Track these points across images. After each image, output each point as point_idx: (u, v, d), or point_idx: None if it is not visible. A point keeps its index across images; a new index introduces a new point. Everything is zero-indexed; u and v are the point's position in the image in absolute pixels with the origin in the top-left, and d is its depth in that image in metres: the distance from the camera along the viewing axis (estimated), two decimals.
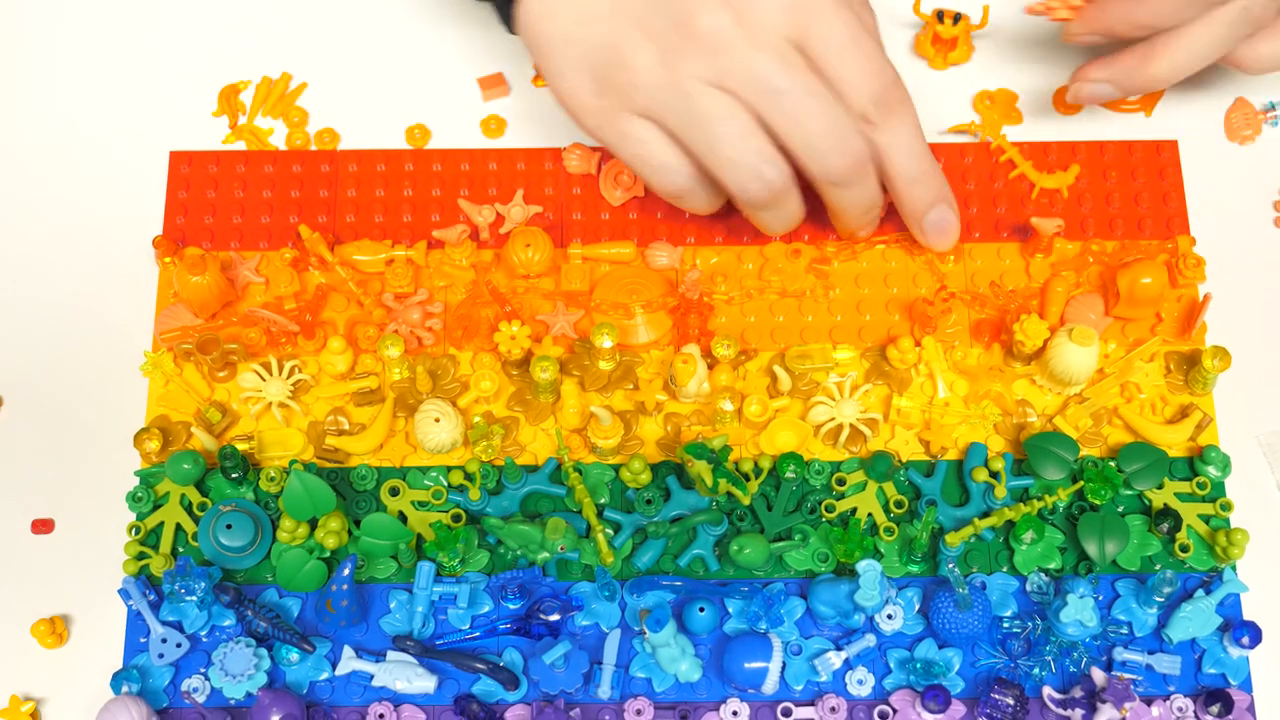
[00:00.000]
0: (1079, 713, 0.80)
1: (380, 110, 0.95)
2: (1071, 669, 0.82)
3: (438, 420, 0.84)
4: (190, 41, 0.97)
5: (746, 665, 0.80)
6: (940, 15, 0.94)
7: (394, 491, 0.85)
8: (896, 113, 0.82)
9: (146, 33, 0.98)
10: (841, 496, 0.85)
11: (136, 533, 0.84)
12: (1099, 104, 0.92)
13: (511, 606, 0.82)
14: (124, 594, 0.82)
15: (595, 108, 0.82)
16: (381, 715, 0.81)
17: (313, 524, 0.84)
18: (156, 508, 0.85)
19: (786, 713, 0.81)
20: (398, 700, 0.82)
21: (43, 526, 0.86)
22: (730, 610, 0.83)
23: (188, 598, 0.81)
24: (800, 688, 0.82)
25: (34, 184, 0.94)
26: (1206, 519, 0.85)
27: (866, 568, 0.80)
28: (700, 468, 0.82)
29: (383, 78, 0.96)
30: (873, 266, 0.90)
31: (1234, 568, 0.84)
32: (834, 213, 0.87)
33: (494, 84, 0.95)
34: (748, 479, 0.85)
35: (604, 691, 0.81)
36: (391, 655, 0.82)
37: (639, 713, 0.81)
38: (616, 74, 0.81)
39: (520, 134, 0.95)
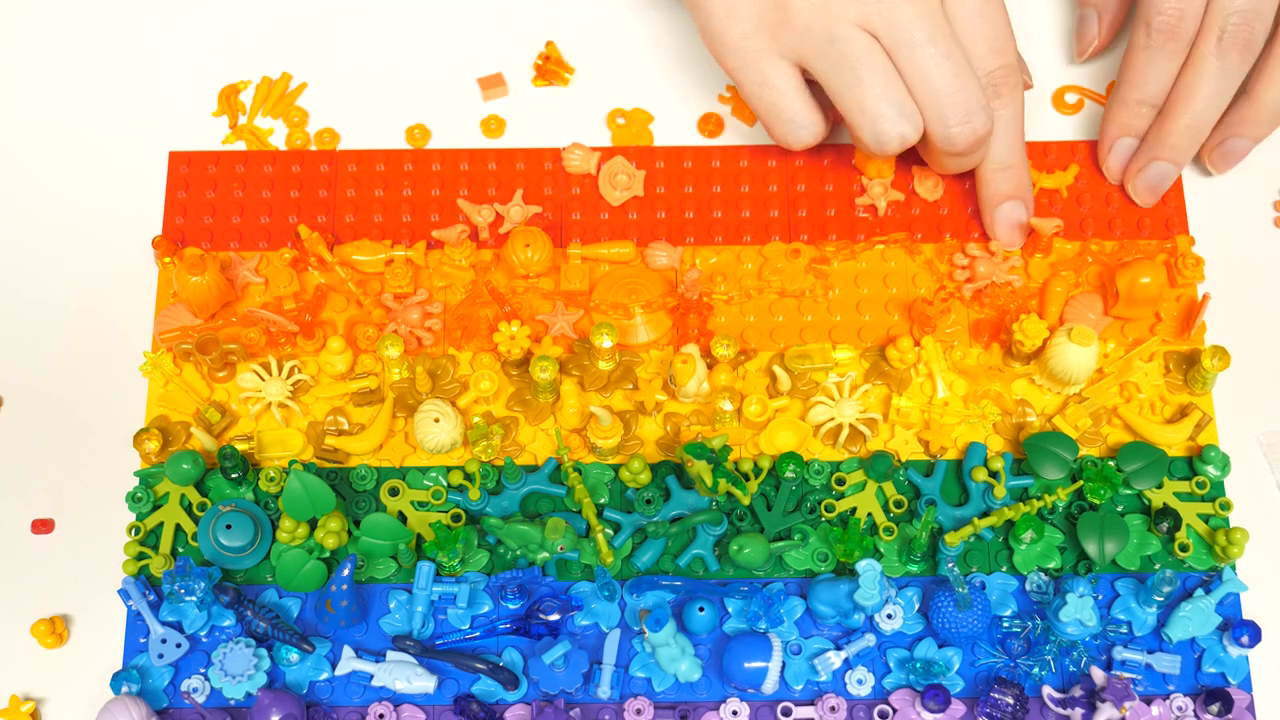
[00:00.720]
0: (1079, 712, 0.80)
1: (380, 110, 0.95)
2: (1071, 668, 0.82)
3: (437, 420, 0.84)
4: (190, 42, 0.97)
5: (746, 665, 0.80)
6: None
7: (394, 492, 0.85)
8: (1005, 96, 0.85)
9: (146, 33, 0.98)
10: (841, 496, 0.85)
11: (136, 533, 0.84)
12: (1165, 186, 0.91)
13: (511, 606, 0.82)
14: (124, 594, 0.82)
15: (742, 47, 0.84)
16: (381, 715, 0.81)
17: (312, 524, 0.84)
18: (156, 508, 0.85)
19: (786, 712, 0.81)
20: (397, 700, 0.82)
21: (43, 526, 0.86)
22: (730, 610, 0.83)
23: (187, 598, 0.81)
24: (800, 687, 0.82)
25: (33, 184, 0.94)
26: (1206, 518, 0.85)
27: (866, 567, 0.80)
28: (700, 468, 0.82)
29: (383, 78, 0.96)
30: (872, 266, 0.90)
31: (1233, 567, 0.84)
32: (932, 162, 0.89)
33: (494, 84, 0.95)
34: (747, 479, 0.85)
35: (604, 691, 0.81)
36: (391, 655, 0.82)
37: (639, 712, 0.81)
38: (771, 13, 0.82)
39: (520, 134, 0.95)
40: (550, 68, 0.95)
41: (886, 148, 0.84)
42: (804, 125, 0.86)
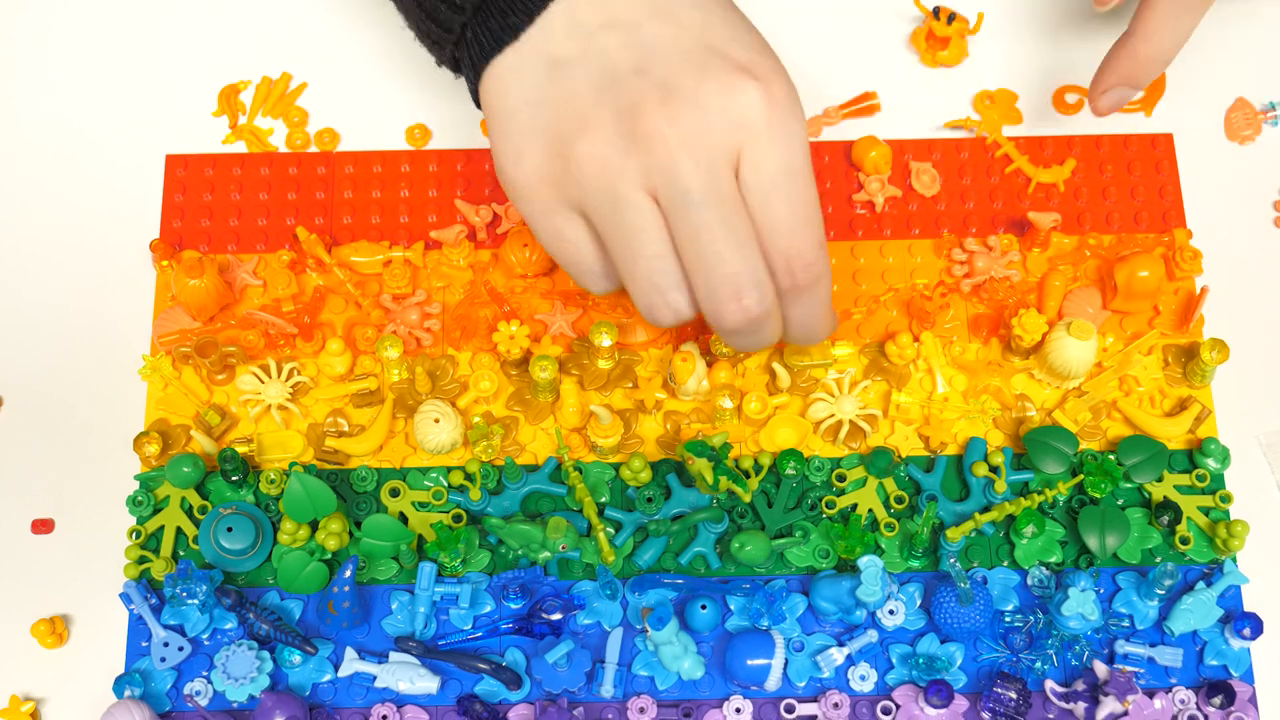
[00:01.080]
0: (1081, 706, 0.80)
1: (380, 110, 0.95)
2: (1073, 662, 0.82)
3: (437, 421, 0.84)
4: (188, 43, 0.97)
5: (749, 662, 0.80)
6: (937, 11, 0.94)
7: (394, 492, 0.85)
8: (808, 290, 0.76)
9: (144, 34, 0.97)
10: (842, 493, 0.85)
11: (137, 536, 0.84)
12: (1125, 106, 0.92)
13: (513, 606, 0.82)
14: (125, 598, 0.82)
15: (531, 197, 0.77)
16: (384, 716, 0.81)
17: (313, 526, 0.84)
18: (157, 511, 0.85)
19: (789, 709, 0.81)
20: (400, 701, 0.82)
21: (43, 527, 0.86)
22: (732, 607, 0.83)
23: (189, 601, 0.81)
24: (803, 684, 0.82)
25: (31, 187, 0.94)
26: (1206, 511, 0.85)
27: (868, 563, 0.80)
28: (700, 465, 0.82)
29: (383, 78, 0.96)
30: (870, 263, 0.90)
31: (1234, 559, 0.84)
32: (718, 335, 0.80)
33: None
34: (748, 476, 0.85)
35: (607, 690, 0.81)
36: (394, 656, 0.82)
37: (642, 711, 0.81)
38: (557, 164, 0.75)
39: None
40: None
41: (660, 323, 0.77)
42: (601, 276, 0.78)
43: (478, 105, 0.81)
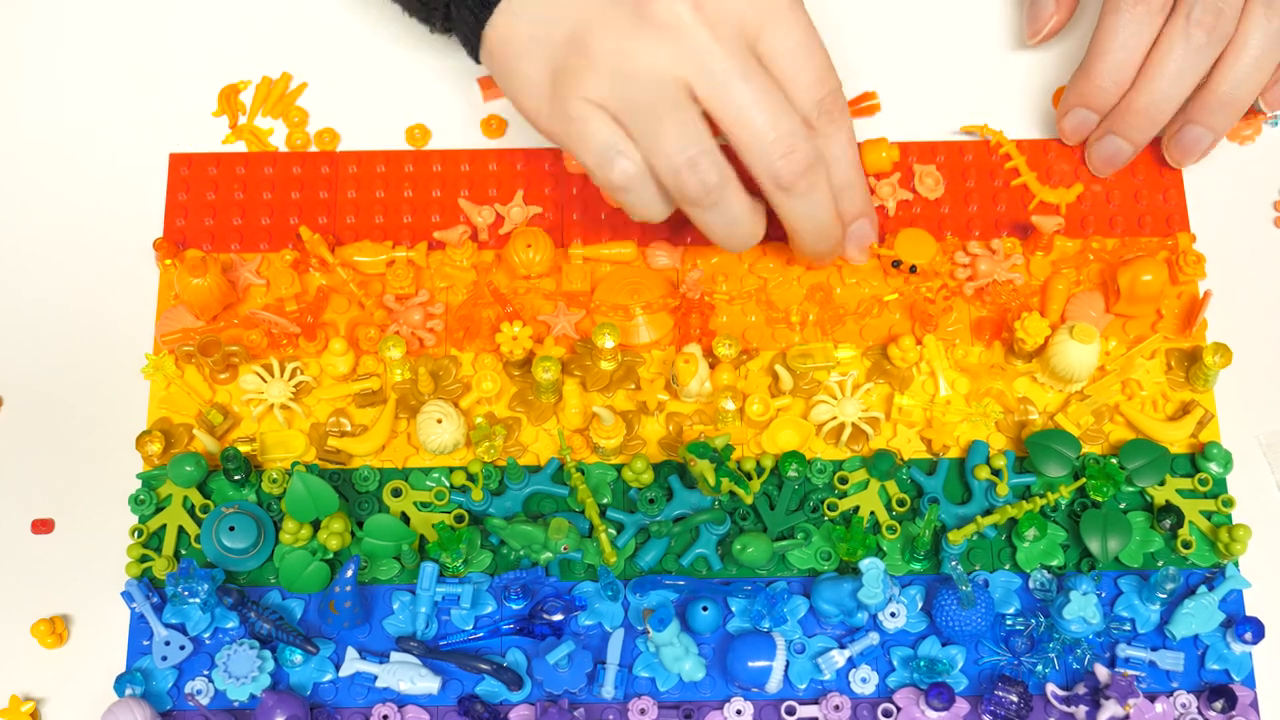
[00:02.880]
0: (1083, 709, 0.80)
1: (380, 110, 0.95)
2: (1075, 666, 0.82)
3: (440, 421, 0.84)
4: (190, 42, 0.97)
5: (750, 664, 0.80)
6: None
7: (396, 493, 0.85)
8: (837, 120, 0.82)
9: (146, 34, 0.98)
10: (844, 495, 0.85)
11: (139, 535, 0.84)
12: (1120, 162, 0.91)
13: (515, 607, 0.82)
14: (127, 596, 0.82)
15: (548, 101, 0.80)
16: (385, 716, 0.81)
17: (315, 525, 0.84)
18: (159, 510, 0.85)
19: (790, 711, 0.81)
20: (401, 701, 0.82)
21: (42, 526, 0.86)
22: (733, 609, 0.83)
23: (191, 600, 0.81)
24: (804, 686, 0.82)
25: (34, 187, 0.94)
26: (1208, 515, 0.85)
27: (869, 566, 0.80)
28: (703, 467, 0.82)
29: (383, 78, 0.96)
30: (873, 264, 0.90)
31: (1236, 564, 0.84)
32: (790, 232, 0.85)
33: (494, 84, 0.95)
34: (750, 478, 0.85)
35: (608, 691, 0.81)
36: (395, 656, 0.82)
37: (643, 712, 0.81)
38: (573, 60, 0.79)
39: (520, 134, 0.95)
40: None
41: (690, 191, 0.80)
42: (620, 152, 0.79)
43: (476, 59, 0.84)
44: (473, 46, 0.85)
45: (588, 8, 0.79)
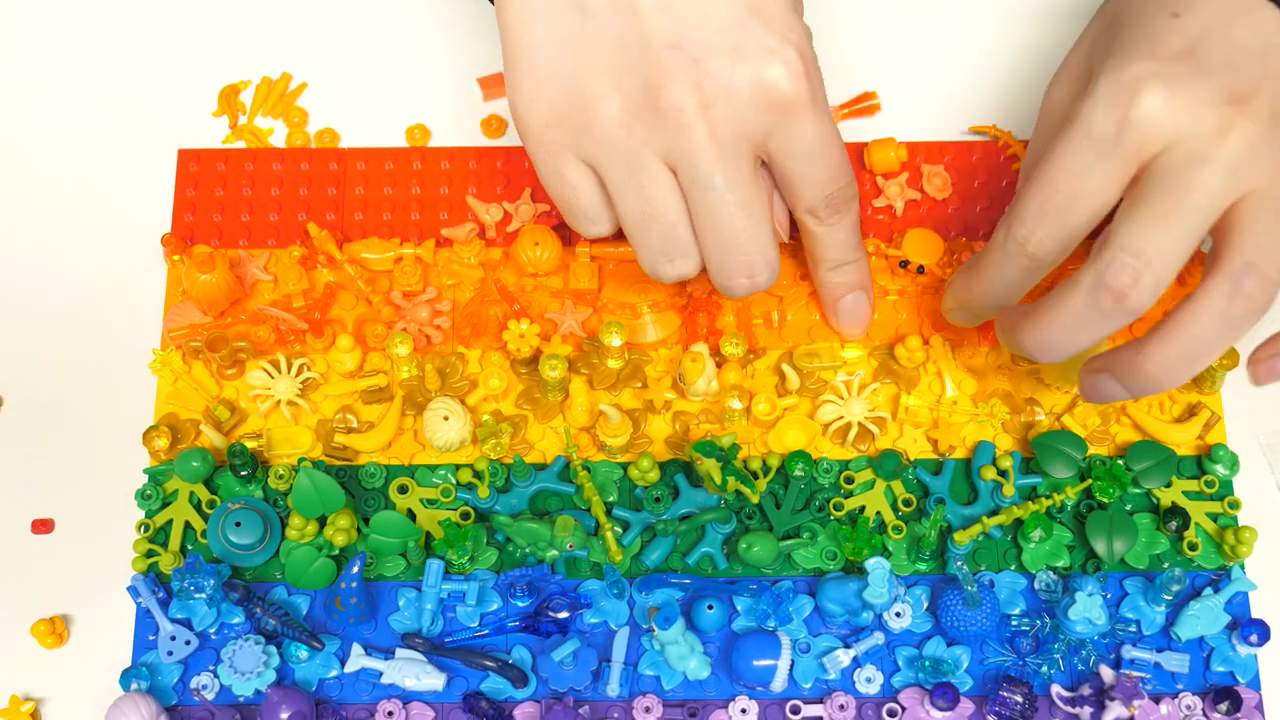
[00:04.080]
0: (1087, 710, 0.80)
1: (380, 110, 0.95)
2: (1080, 667, 0.82)
3: (446, 418, 0.84)
4: (197, 39, 0.97)
5: (755, 663, 0.80)
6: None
7: (403, 489, 0.85)
8: (843, 210, 0.81)
9: (153, 31, 0.98)
10: (850, 495, 0.85)
11: (145, 530, 0.84)
12: (1112, 401, 0.79)
13: (520, 604, 0.82)
14: (133, 591, 0.82)
15: (543, 136, 0.78)
16: (390, 713, 0.81)
17: (321, 521, 0.84)
18: (165, 505, 0.85)
19: (795, 710, 0.81)
20: (406, 698, 0.82)
21: (43, 526, 0.86)
22: (739, 608, 0.83)
23: (196, 595, 0.81)
24: (809, 685, 0.82)
25: (41, 182, 0.94)
26: (1215, 517, 0.85)
27: (875, 566, 0.80)
28: (709, 466, 0.82)
29: (383, 78, 0.96)
30: (879, 263, 0.90)
31: (1242, 566, 0.84)
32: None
33: (494, 84, 0.95)
34: (756, 477, 0.85)
35: (613, 689, 0.81)
36: (400, 653, 0.82)
37: (647, 710, 0.81)
38: (575, 114, 0.76)
39: None
40: None
41: (663, 280, 0.80)
42: (601, 222, 0.80)
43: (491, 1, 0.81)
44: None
45: (606, 59, 0.76)
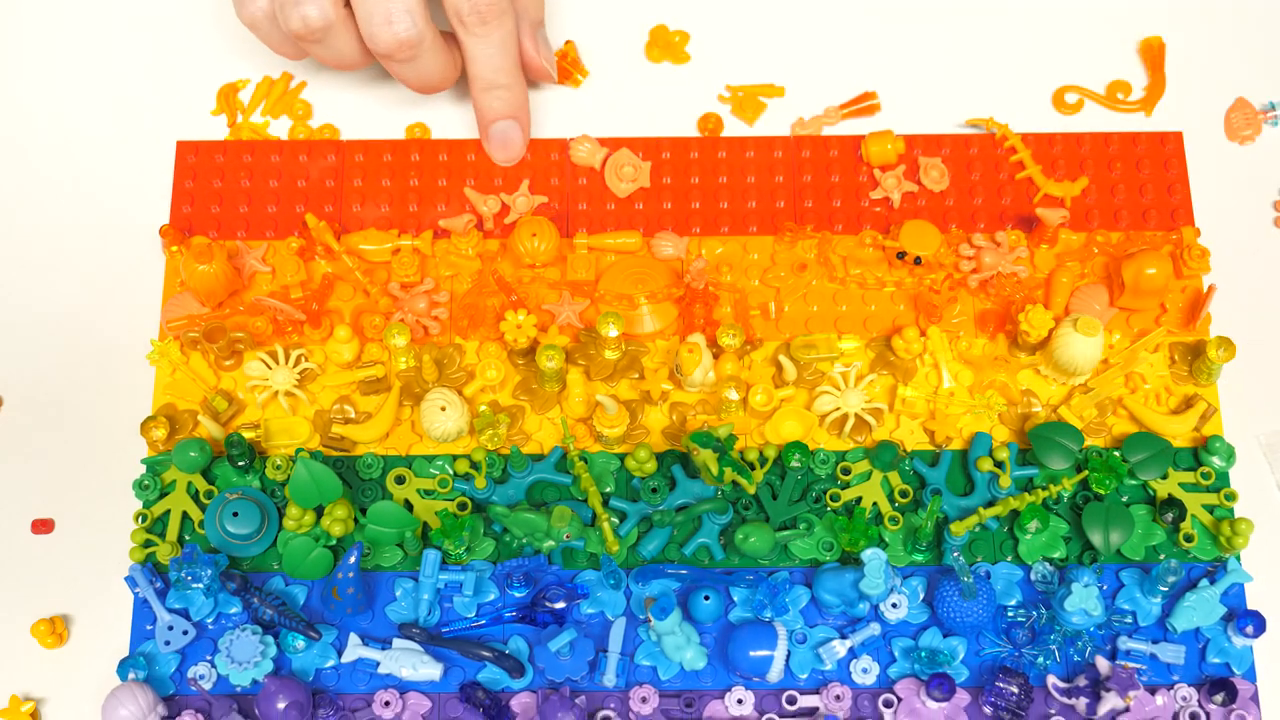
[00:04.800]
0: (1083, 701, 0.80)
1: (380, 109, 0.95)
2: (1076, 658, 0.82)
3: (444, 409, 0.84)
4: (196, 33, 0.97)
5: (751, 653, 0.80)
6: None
7: (400, 480, 0.85)
8: (490, 23, 0.84)
9: (153, 25, 0.98)
10: (846, 486, 0.85)
11: (143, 520, 0.84)
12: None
13: (517, 594, 0.83)
14: (130, 581, 0.82)
15: None
16: (387, 703, 0.81)
17: (319, 512, 0.84)
18: (163, 495, 0.85)
19: (791, 700, 0.81)
20: (403, 688, 0.82)
21: (43, 526, 0.86)
22: (735, 598, 0.83)
23: (194, 585, 0.81)
24: (805, 676, 0.82)
25: (41, 174, 0.94)
26: (1211, 509, 0.85)
27: (871, 556, 0.80)
28: (706, 456, 0.82)
29: (382, 78, 0.96)
30: (878, 255, 0.90)
31: (1238, 558, 0.84)
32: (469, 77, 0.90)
33: None
34: (753, 468, 0.85)
35: (609, 679, 0.81)
36: (397, 643, 0.82)
37: (644, 700, 0.81)
38: None
39: None
40: (565, 66, 0.96)
41: (288, 24, 0.84)
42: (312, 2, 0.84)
43: None
44: None
45: None
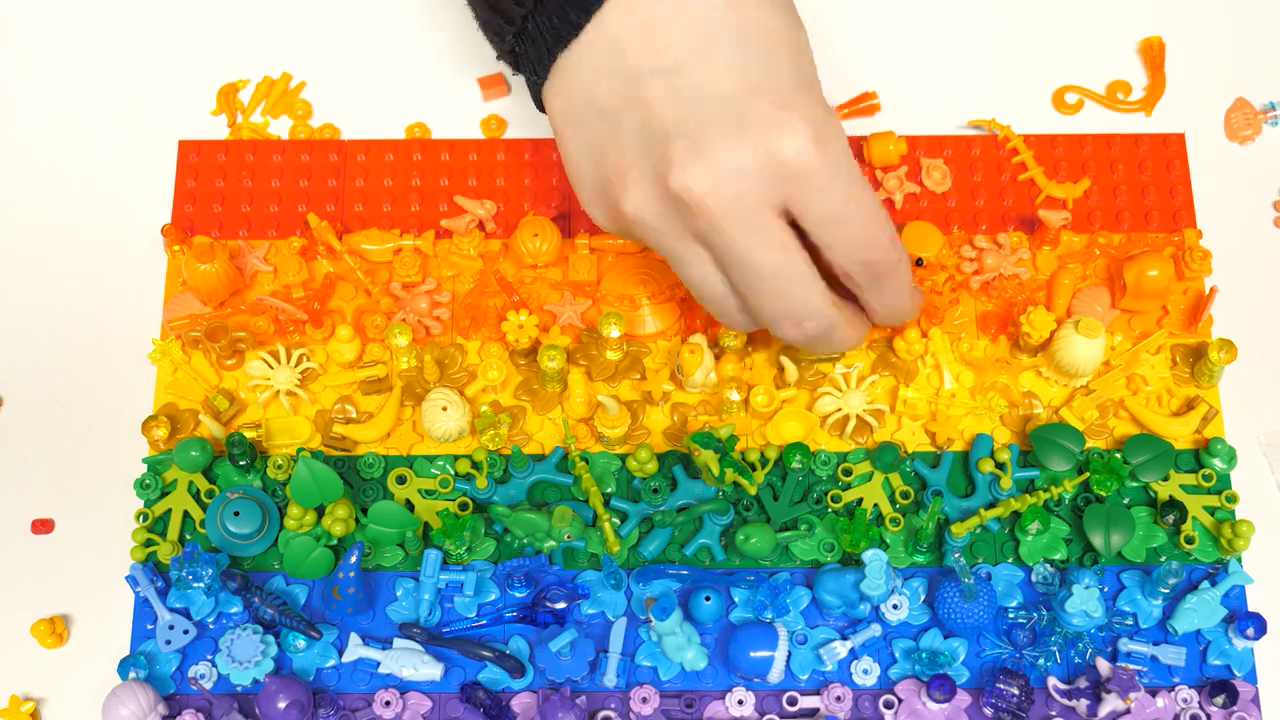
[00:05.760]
0: (1084, 703, 0.80)
1: (380, 110, 0.95)
2: (1076, 660, 0.82)
3: (445, 409, 0.84)
4: (198, 32, 0.97)
5: (752, 654, 0.80)
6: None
7: (401, 480, 0.85)
8: (884, 279, 0.79)
9: (155, 24, 0.98)
10: (847, 487, 0.85)
11: (144, 520, 0.85)
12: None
13: (518, 595, 0.83)
14: (131, 580, 0.82)
15: (593, 213, 0.81)
16: (388, 702, 0.81)
17: (320, 511, 0.84)
18: (164, 495, 0.85)
19: (792, 702, 0.81)
20: (404, 688, 0.82)
21: (43, 526, 0.86)
22: (736, 599, 0.83)
23: (195, 584, 0.81)
24: (806, 677, 0.82)
25: (43, 173, 0.94)
26: (1212, 511, 0.85)
27: (872, 558, 0.80)
28: (707, 457, 0.82)
29: (383, 78, 0.96)
30: None
31: (1239, 560, 0.84)
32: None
33: (494, 84, 0.95)
34: (754, 469, 0.85)
35: (610, 679, 0.81)
36: (398, 643, 0.82)
37: (644, 700, 0.81)
38: (617, 216, 0.78)
39: (520, 134, 0.95)
40: None
41: (725, 323, 0.81)
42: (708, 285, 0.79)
43: (540, 108, 0.83)
44: (534, 92, 0.83)
45: (622, 152, 0.76)
